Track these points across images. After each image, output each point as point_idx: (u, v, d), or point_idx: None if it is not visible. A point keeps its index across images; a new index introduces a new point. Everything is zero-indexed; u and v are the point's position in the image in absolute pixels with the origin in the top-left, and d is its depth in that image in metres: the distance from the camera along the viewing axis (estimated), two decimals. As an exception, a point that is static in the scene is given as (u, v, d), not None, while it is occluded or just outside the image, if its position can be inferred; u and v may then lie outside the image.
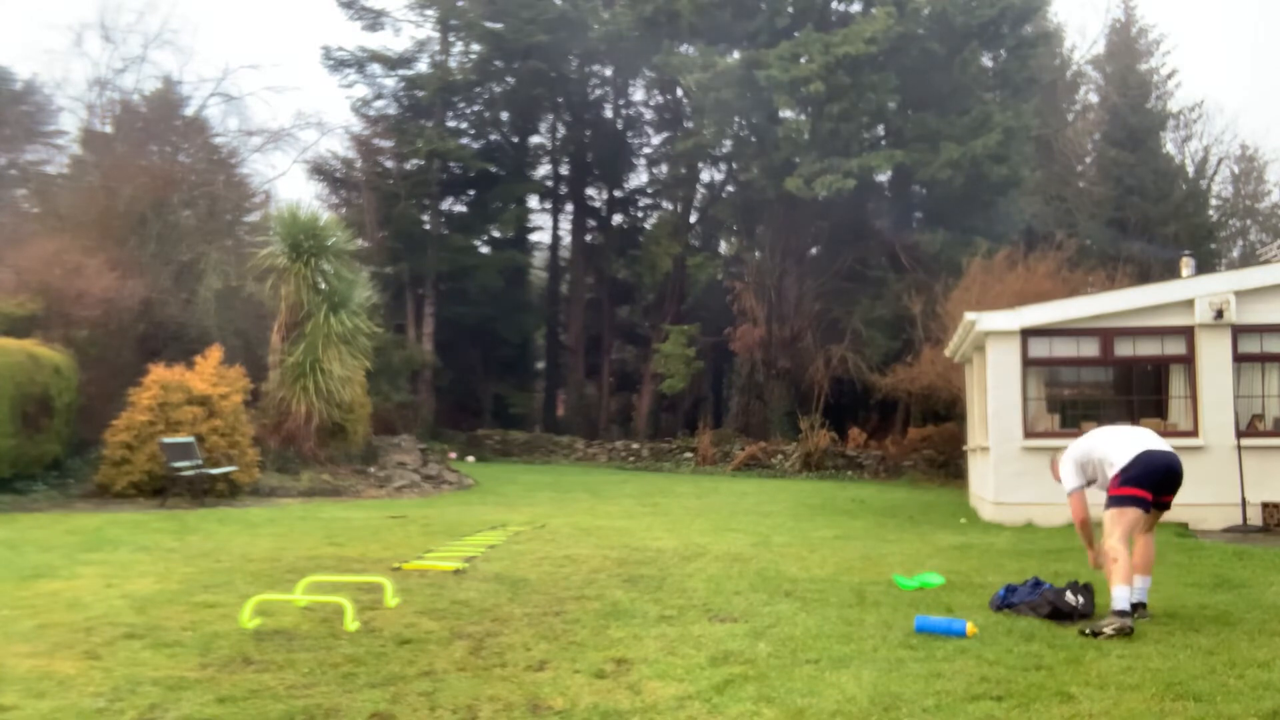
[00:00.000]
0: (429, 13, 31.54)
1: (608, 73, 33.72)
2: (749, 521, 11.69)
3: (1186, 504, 10.96)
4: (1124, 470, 5.58)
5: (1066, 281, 19.63)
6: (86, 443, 14.11)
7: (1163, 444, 5.75)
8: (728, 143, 29.32)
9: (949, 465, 21.29)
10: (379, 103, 32.07)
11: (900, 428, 25.14)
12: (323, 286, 16.66)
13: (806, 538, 9.83)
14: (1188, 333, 11.60)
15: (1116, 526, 5.50)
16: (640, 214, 36.24)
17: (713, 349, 29.89)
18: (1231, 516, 10.91)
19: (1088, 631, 5.16)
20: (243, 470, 14.17)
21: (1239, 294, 11.40)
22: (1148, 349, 11.94)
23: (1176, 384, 11.95)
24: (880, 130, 28.07)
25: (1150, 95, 30.57)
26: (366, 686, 4.15)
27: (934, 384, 20.42)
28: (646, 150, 35.25)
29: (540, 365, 38.53)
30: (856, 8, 27.61)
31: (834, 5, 27.71)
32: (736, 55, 26.77)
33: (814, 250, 29.83)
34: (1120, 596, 5.26)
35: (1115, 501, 5.56)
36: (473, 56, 31.97)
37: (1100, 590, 6.15)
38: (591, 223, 35.25)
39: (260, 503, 13.62)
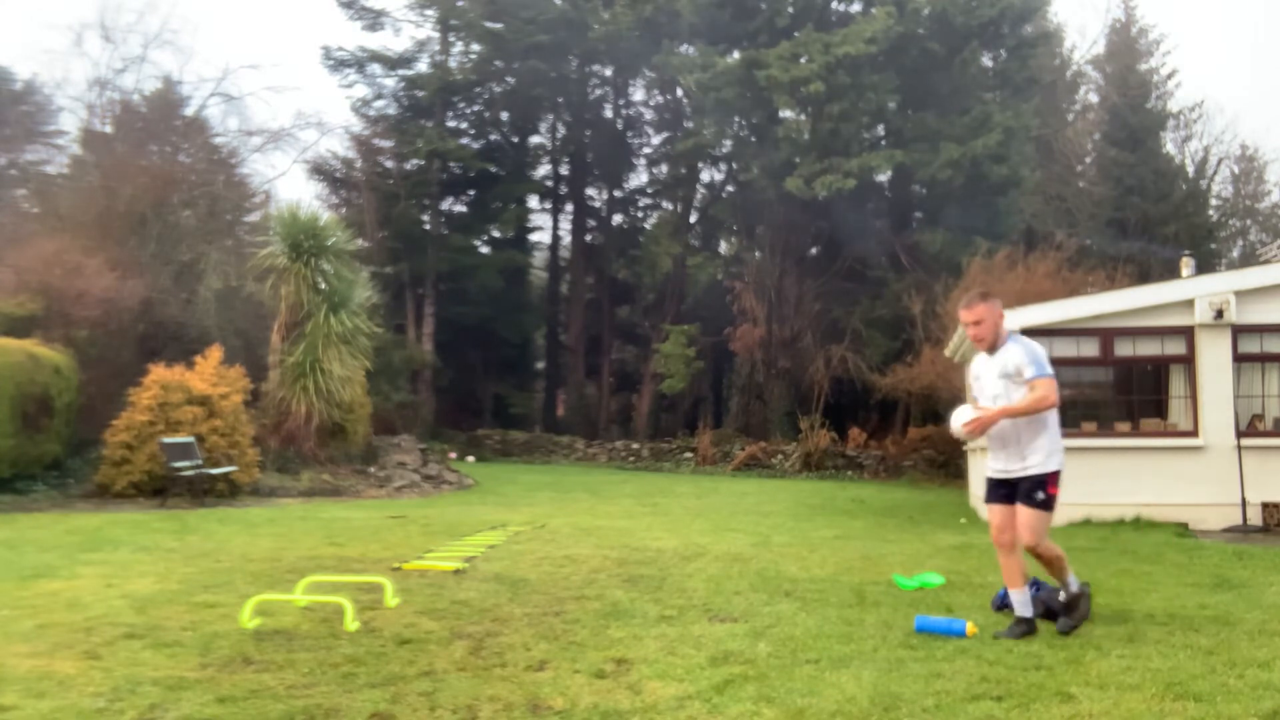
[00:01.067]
0: (429, 13, 31.56)
1: (608, 73, 33.73)
2: (749, 521, 11.69)
3: (1186, 504, 11.05)
4: (1059, 471, 5.24)
5: (1066, 281, 19.63)
6: (86, 443, 14.11)
7: None
8: (728, 143, 29.33)
9: (949, 465, 21.29)
10: (379, 103, 32.12)
11: (900, 428, 25.15)
12: (323, 286, 16.66)
13: (806, 538, 9.83)
14: (1188, 333, 11.59)
15: (1047, 526, 5.26)
16: (640, 214, 36.26)
17: (713, 349, 29.90)
18: (1231, 516, 10.91)
19: (1065, 631, 5.16)
20: (243, 470, 14.17)
21: (1239, 294, 11.39)
22: (1148, 349, 11.94)
23: (1176, 384, 11.95)
24: (880, 130, 28.09)
25: (1150, 95, 30.57)
26: (366, 686, 4.15)
27: (934, 384, 20.42)
28: (646, 150, 35.29)
29: (540, 365, 38.54)
30: (856, 8, 27.64)
31: (834, 5, 27.73)
32: (736, 55, 26.78)
33: (814, 250, 29.85)
34: (1073, 581, 5.34)
35: (1053, 505, 5.27)
36: (473, 56, 31.99)
37: (1098, 590, 6.16)
38: (591, 223, 35.26)
39: (260, 503, 13.61)
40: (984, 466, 5.39)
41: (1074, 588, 5.29)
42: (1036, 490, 5.16)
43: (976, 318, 5.27)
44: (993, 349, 5.32)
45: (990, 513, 5.37)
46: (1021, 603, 5.23)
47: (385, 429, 21.94)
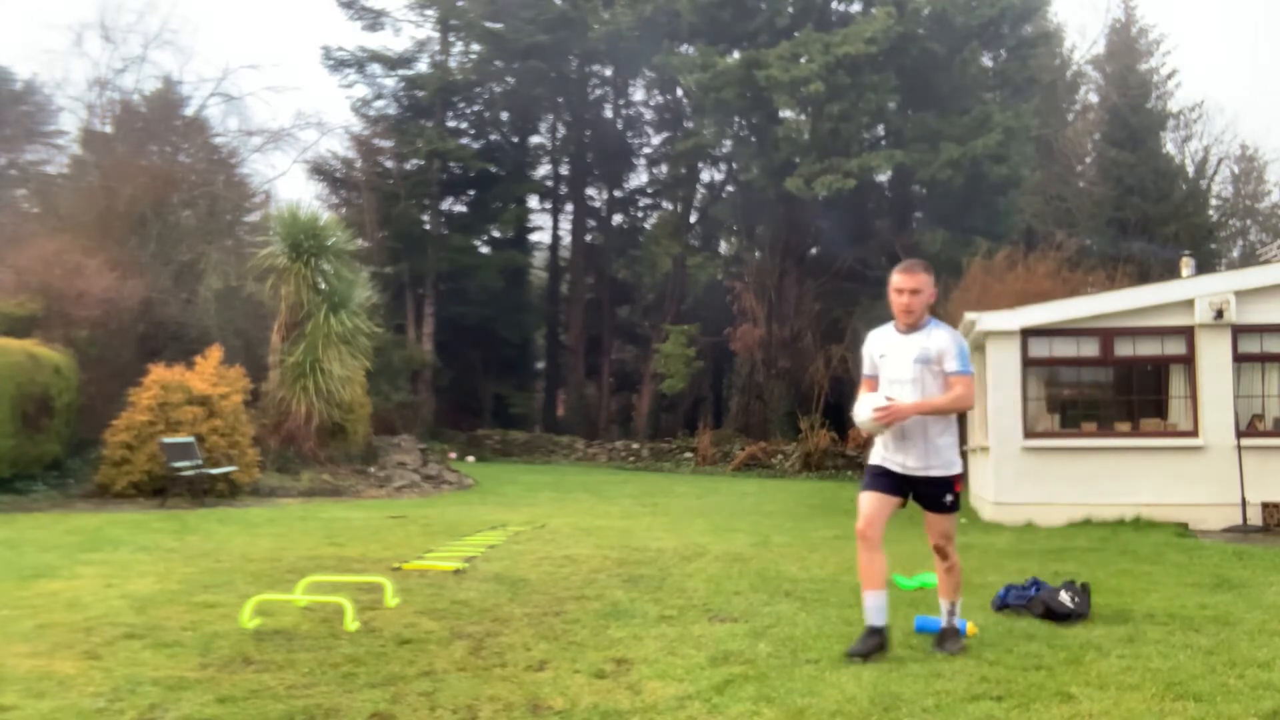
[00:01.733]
0: (429, 13, 31.57)
1: (608, 73, 33.74)
2: (749, 521, 11.69)
3: (1186, 504, 11.05)
4: (961, 474, 4.91)
5: (1066, 281, 19.63)
6: (86, 443, 14.11)
7: None
8: (728, 143, 29.33)
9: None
10: (379, 103, 32.13)
11: (900, 428, 25.12)
12: (323, 286, 16.66)
13: (806, 538, 9.82)
14: (1188, 333, 11.60)
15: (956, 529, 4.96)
16: (640, 214, 36.27)
17: (713, 349, 29.90)
18: (1231, 516, 10.92)
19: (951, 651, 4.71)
20: (243, 470, 14.17)
21: (1239, 294, 11.40)
22: (1148, 349, 11.94)
23: (1176, 384, 11.96)
24: (880, 130, 28.09)
25: (1150, 95, 30.56)
26: (366, 686, 4.15)
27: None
28: (646, 150, 35.30)
29: (540, 365, 38.54)
30: (856, 8, 27.65)
31: (834, 5, 27.74)
32: (736, 55, 26.78)
33: (814, 250, 29.86)
34: (958, 610, 4.92)
35: (959, 506, 4.93)
36: (473, 56, 32.00)
37: (1097, 590, 6.16)
38: (591, 223, 35.26)
39: (260, 503, 13.61)
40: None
41: (958, 618, 4.90)
42: (947, 493, 4.75)
43: (917, 285, 4.71)
44: (912, 328, 4.76)
45: (865, 501, 4.74)
46: (877, 609, 4.63)
47: (385, 429, 21.94)
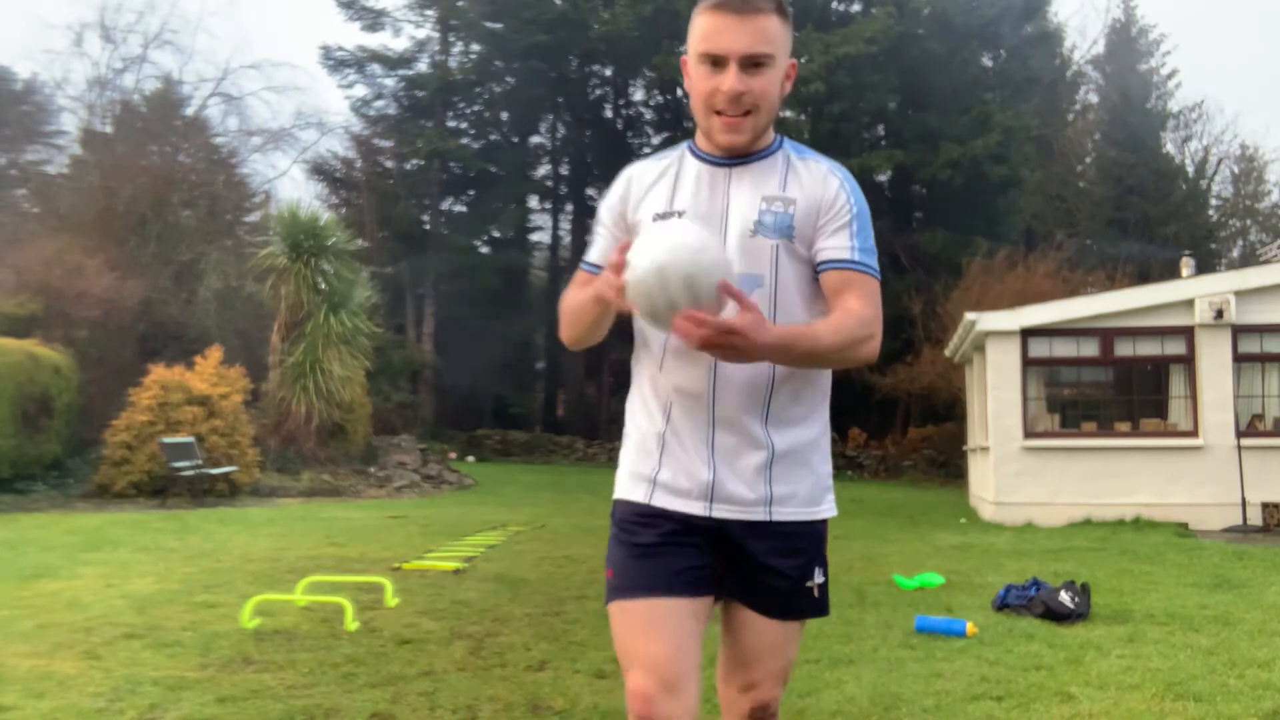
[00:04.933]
0: (429, 13, 31.58)
1: (608, 73, 33.75)
2: (749, 521, 11.66)
3: (1186, 504, 11.06)
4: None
5: (1066, 281, 19.67)
6: (86, 443, 14.12)
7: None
8: (728, 143, 29.32)
9: (949, 465, 21.28)
10: (379, 103, 32.12)
11: (900, 428, 25.16)
12: (323, 286, 16.68)
13: (806, 538, 9.80)
14: (1188, 333, 11.61)
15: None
16: (640, 214, 36.24)
17: (712, 349, 29.86)
18: (1231, 516, 10.92)
19: None
20: (243, 470, 14.17)
21: (1239, 294, 11.41)
22: (1148, 349, 11.95)
23: (1176, 384, 11.97)
24: (880, 130, 28.10)
25: (1150, 95, 30.58)
26: (366, 686, 4.14)
27: (934, 384, 20.45)
28: (646, 150, 35.24)
29: (540, 365, 38.53)
30: (856, 8, 27.68)
31: (834, 5, 27.77)
32: (736, 55, 26.80)
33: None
34: None
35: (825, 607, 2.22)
36: (473, 56, 32.01)
37: (1097, 590, 6.16)
38: (591, 223, 35.29)
39: (260, 503, 13.61)
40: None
41: None
42: (815, 565, 1.99)
43: (760, 44, 1.81)
44: (746, 149, 1.90)
45: (632, 626, 2.12)
46: None
47: (385, 429, 21.94)
